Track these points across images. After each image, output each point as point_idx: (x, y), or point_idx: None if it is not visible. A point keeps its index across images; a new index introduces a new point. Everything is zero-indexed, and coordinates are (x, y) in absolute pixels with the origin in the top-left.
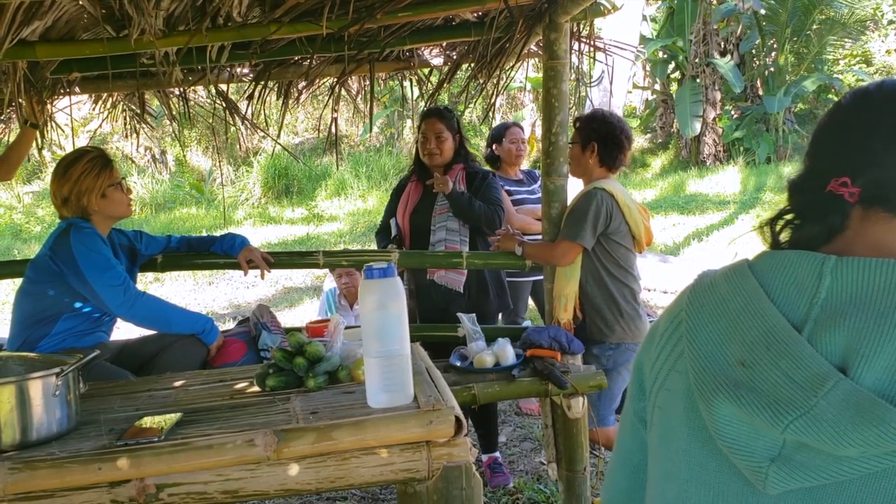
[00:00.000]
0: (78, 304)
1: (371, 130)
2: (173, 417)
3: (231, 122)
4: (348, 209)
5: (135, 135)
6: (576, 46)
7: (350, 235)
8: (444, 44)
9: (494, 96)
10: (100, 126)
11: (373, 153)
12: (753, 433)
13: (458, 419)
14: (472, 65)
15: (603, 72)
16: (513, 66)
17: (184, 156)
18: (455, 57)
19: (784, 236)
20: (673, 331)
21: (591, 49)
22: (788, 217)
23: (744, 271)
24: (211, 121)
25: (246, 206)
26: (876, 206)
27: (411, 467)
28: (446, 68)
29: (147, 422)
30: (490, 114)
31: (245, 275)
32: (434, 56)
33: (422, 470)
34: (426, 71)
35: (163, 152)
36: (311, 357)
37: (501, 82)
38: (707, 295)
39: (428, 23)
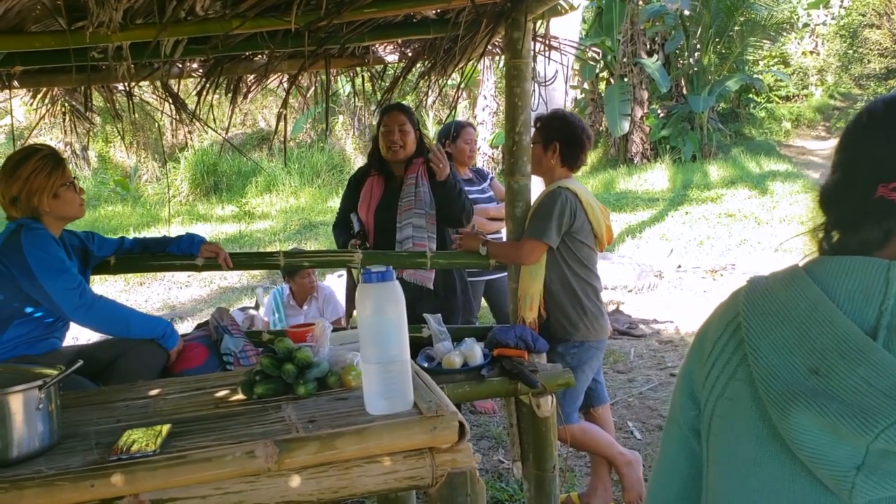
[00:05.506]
0: (29, 309)
1: (328, 130)
2: (164, 429)
3: (179, 119)
4: (280, 206)
5: (75, 132)
6: (531, 45)
7: (283, 233)
8: (400, 41)
9: (458, 93)
10: (38, 123)
11: (304, 149)
12: (834, 442)
13: (461, 424)
14: (427, 63)
15: (557, 71)
16: (467, 65)
17: (107, 151)
18: (410, 54)
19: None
20: (729, 338)
21: (546, 48)
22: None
23: (803, 278)
24: (159, 117)
25: (173, 204)
26: None
27: (415, 475)
28: (401, 65)
29: (136, 434)
30: (453, 111)
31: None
32: (388, 53)
33: (426, 477)
34: (379, 68)
35: (84, 148)
36: (301, 363)
37: (456, 81)
38: (765, 301)
39: (389, 19)
